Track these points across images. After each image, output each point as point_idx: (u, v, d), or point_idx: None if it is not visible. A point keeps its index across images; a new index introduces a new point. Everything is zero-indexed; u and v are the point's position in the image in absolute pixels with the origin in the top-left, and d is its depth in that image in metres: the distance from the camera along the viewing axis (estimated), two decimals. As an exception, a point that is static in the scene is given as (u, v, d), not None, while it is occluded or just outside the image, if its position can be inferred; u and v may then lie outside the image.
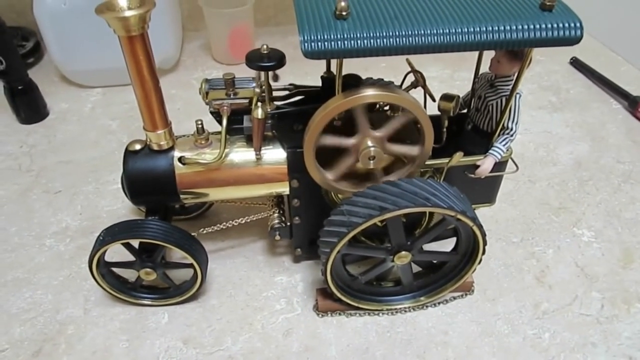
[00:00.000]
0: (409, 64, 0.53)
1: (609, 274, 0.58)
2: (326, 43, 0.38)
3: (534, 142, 0.79)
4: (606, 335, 0.51)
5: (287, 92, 0.55)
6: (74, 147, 0.78)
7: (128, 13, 0.40)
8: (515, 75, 0.46)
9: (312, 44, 0.38)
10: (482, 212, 0.63)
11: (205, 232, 0.55)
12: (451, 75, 0.96)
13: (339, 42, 0.38)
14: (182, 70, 0.98)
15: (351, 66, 0.51)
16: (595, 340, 0.51)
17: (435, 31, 0.38)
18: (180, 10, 1.02)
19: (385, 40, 0.38)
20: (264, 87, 0.49)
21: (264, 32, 1.04)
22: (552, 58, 1.01)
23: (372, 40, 0.38)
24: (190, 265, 0.51)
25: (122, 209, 0.66)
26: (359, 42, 0.38)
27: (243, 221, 0.56)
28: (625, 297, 0.55)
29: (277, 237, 0.56)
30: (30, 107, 0.82)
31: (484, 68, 0.52)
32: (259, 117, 0.46)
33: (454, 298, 0.55)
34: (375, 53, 0.38)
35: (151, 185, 0.50)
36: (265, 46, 0.46)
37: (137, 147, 0.51)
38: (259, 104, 0.48)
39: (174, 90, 0.91)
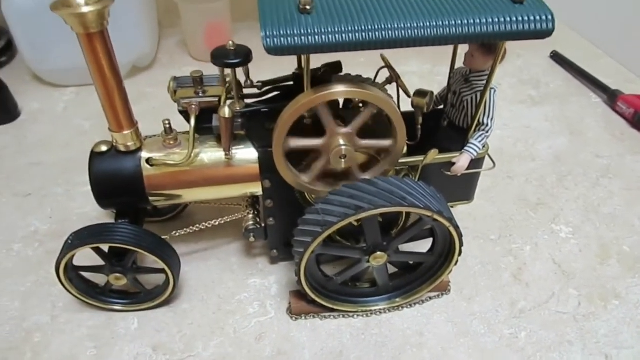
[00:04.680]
0: (383, 59, 0.52)
1: (586, 270, 0.57)
2: (289, 38, 0.36)
3: (512, 137, 0.79)
4: (583, 334, 0.51)
5: (260, 91, 0.53)
6: (45, 149, 0.75)
7: (85, 9, 0.39)
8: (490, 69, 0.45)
9: (275, 39, 0.36)
10: (460, 209, 0.62)
11: (177, 234, 0.53)
12: (431, 70, 0.96)
13: (303, 38, 0.36)
14: (159, 68, 0.96)
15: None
16: (571, 338, 0.50)
17: (402, 25, 0.37)
18: (155, 6, 1.00)
19: (350, 35, 0.36)
20: (230, 85, 0.47)
21: (242, 27, 1.02)
22: (532, 52, 1.01)
23: (337, 35, 0.36)
24: (162, 271, 0.50)
25: (93, 211, 0.64)
26: (323, 37, 0.36)
27: (217, 223, 0.55)
28: (602, 294, 0.55)
29: (252, 239, 0.54)
30: (0, 107, 0.80)
31: (459, 63, 0.51)
32: (226, 116, 0.45)
33: (430, 298, 0.54)
34: (341, 48, 0.37)
35: (118, 187, 0.49)
36: (231, 42, 0.44)
37: (103, 148, 0.49)
38: (228, 102, 0.47)
39: (150, 88, 0.89)
